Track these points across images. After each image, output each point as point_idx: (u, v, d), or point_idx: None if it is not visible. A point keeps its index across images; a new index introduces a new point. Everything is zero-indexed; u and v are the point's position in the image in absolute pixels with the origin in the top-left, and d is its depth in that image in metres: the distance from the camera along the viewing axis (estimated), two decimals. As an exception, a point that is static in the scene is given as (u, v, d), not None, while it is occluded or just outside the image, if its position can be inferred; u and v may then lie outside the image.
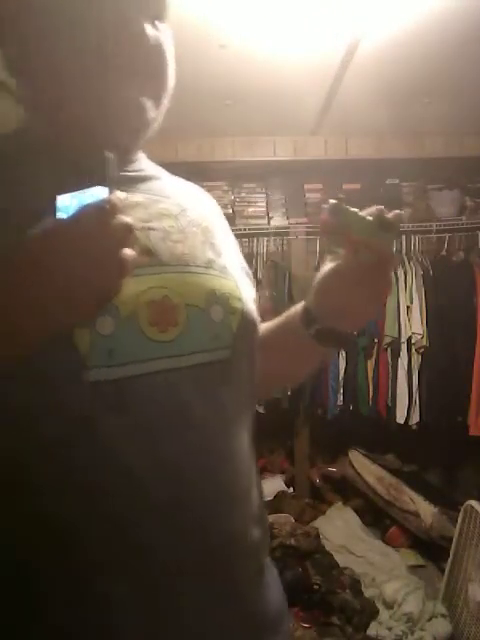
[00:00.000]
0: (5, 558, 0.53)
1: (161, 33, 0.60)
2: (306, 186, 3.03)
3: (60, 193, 0.49)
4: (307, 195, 3.03)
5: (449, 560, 2.09)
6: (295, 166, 2.96)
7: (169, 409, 0.55)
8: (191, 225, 0.66)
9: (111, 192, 0.48)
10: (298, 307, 0.74)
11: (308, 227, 2.99)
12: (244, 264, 0.76)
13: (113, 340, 0.52)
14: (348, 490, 2.79)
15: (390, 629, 1.90)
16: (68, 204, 0.48)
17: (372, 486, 2.62)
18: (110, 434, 0.52)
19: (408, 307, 2.68)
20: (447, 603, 2.04)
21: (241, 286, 0.66)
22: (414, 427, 2.68)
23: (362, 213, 0.64)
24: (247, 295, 0.66)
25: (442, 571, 2.17)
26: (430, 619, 1.95)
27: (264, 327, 0.76)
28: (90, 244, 0.47)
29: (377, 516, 2.63)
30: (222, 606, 0.59)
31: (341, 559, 2.23)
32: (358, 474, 2.69)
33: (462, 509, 2.06)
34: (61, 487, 0.52)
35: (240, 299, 0.64)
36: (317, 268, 0.73)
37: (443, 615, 1.97)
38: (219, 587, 0.59)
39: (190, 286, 0.59)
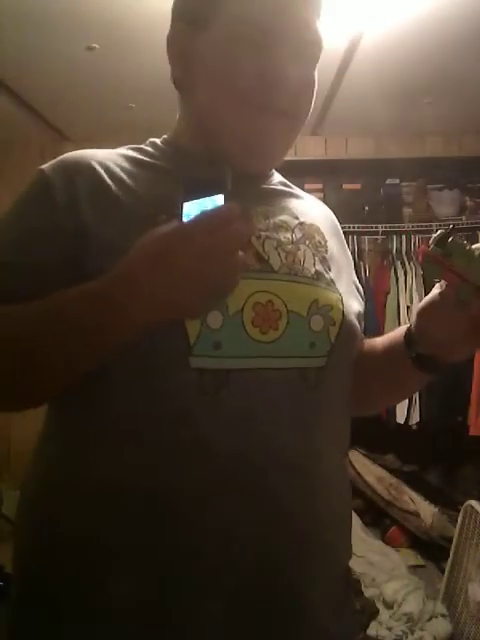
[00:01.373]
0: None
1: (312, 73, 0.68)
2: (306, 186, 3.02)
3: (186, 200, 0.54)
4: (307, 195, 3.03)
5: (449, 560, 2.09)
6: (295, 166, 2.95)
7: (259, 405, 0.60)
8: (305, 238, 0.70)
9: (226, 200, 0.53)
10: (405, 327, 0.72)
11: (308, 227, 2.98)
12: (356, 280, 0.79)
13: (220, 334, 0.58)
14: (348, 490, 2.79)
15: (390, 629, 1.89)
16: (192, 211, 0.54)
17: (372, 486, 2.62)
18: (203, 419, 0.58)
19: (408, 307, 2.68)
20: (447, 603, 2.03)
21: (346, 300, 0.69)
22: (414, 427, 2.68)
23: (470, 246, 0.60)
24: (350, 309, 0.69)
25: (442, 571, 2.16)
26: (430, 619, 1.94)
27: (372, 342, 0.77)
28: (207, 242, 0.50)
29: (377, 516, 2.63)
30: (277, 603, 0.60)
31: (341, 559, 2.22)
32: (358, 474, 2.69)
33: (462, 509, 2.06)
34: (153, 464, 0.57)
35: (342, 312, 0.66)
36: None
37: (443, 615, 1.97)
38: (279, 583, 0.60)
39: (294, 294, 0.63)
